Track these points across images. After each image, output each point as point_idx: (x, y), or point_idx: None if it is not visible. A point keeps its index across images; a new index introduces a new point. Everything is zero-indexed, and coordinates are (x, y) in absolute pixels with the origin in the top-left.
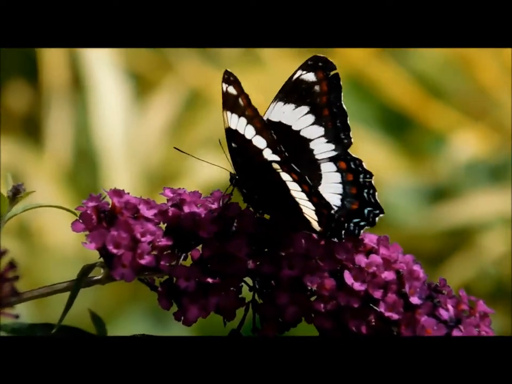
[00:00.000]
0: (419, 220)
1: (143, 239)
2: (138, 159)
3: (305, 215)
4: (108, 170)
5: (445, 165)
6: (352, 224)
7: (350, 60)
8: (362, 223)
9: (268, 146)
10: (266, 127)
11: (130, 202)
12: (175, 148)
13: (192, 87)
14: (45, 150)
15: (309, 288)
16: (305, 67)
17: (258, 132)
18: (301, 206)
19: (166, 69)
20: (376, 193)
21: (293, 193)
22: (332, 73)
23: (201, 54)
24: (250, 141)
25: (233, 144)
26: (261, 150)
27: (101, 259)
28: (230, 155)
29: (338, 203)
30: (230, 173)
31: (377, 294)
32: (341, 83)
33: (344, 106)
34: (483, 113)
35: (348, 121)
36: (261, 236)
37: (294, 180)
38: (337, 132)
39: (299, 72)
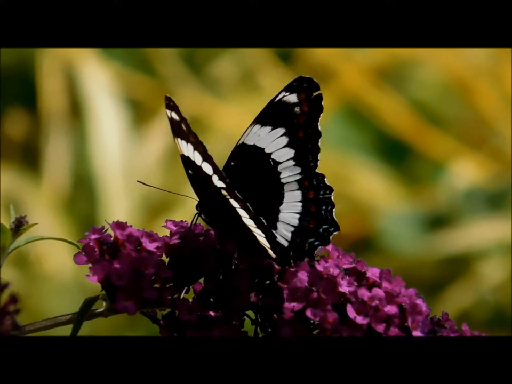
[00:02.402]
0: (417, 247)
1: (145, 272)
2: (136, 186)
3: (260, 242)
4: (105, 198)
5: (443, 192)
6: (307, 245)
7: (348, 87)
8: (316, 243)
9: (214, 172)
10: (208, 155)
11: (133, 235)
12: (138, 181)
13: (190, 114)
14: (43, 177)
15: (312, 321)
16: (289, 88)
17: (204, 158)
18: (254, 234)
19: (164, 95)
20: (334, 209)
21: (245, 220)
22: (315, 94)
23: (200, 82)
24: (200, 167)
25: (189, 171)
26: (210, 176)
27: (103, 291)
28: (190, 182)
29: (296, 222)
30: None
31: (380, 327)
32: (323, 104)
33: (319, 127)
34: (482, 141)
35: (319, 143)
36: (263, 269)
37: (242, 207)
38: (306, 154)
39: (282, 94)
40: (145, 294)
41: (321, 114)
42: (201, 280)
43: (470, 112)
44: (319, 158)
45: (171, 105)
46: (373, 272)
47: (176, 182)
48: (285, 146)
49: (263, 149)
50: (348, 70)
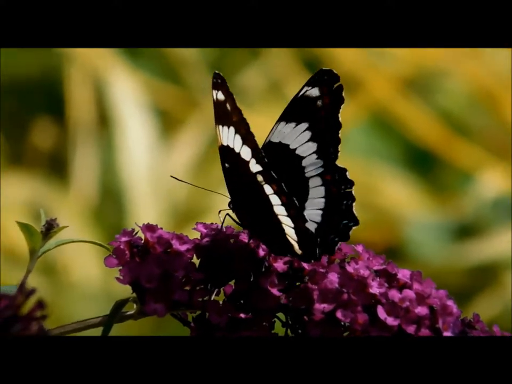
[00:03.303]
0: (444, 256)
1: (175, 274)
2: (164, 195)
3: (287, 236)
4: (133, 207)
5: (470, 202)
6: (328, 241)
7: (375, 97)
8: (336, 239)
9: (252, 155)
10: (250, 132)
11: (163, 237)
12: (172, 176)
13: None
14: (70, 186)
15: (342, 322)
16: (310, 82)
17: (244, 140)
18: (283, 226)
19: (191, 105)
20: (354, 204)
21: (276, 209)
22: (335, 85)
23: None
24: (239, 154)
25: (226, 165)
26: (248, 162)
27: (133, 294)
28: (224, 177)
29: (319, 219)
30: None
31: (411, 329)
32: (343, 95)
33: (340, 119)
34: (508, 151)
35: (339, 134)
36: (294, 271)
37: (274, 192)
38: (328, 146)
39: (304, 89)
40: (175, 296)
41: (342, 106)
42: (232, 282)
43: (496, 122)
44: (339, 150)
45: (218, 83)
46: (403, 274)
47: (204, 192)
48: (308, 141)
49: (288, 145)
50: (374, 79)
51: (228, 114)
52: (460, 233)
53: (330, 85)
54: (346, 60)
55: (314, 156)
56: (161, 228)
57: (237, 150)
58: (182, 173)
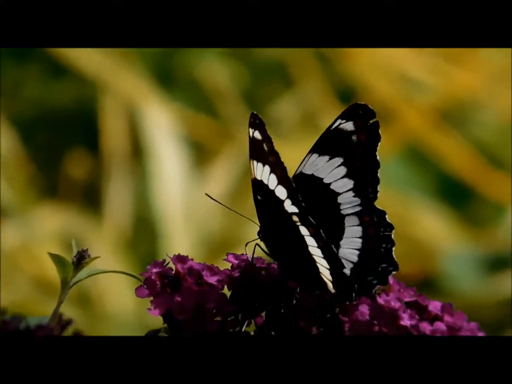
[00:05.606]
0: (479, 289)
1: (207, 305)
2: (198, 226)
3: (321, 275)
4: (167, 238)
5: (505, 234)
6: (365, 283)
7: (409, 129)
8: (374, 281)
9: (288, 196)
10: (286, 176)
11: (193, 268)
12: (206, 194)
13: None
14: (104, 217)
15: None
16: (344, 116)
17: (279, 181)
18: (318, 265)
19: (225, 136)
20: (394, 248)
21: (311, 249)
22: (371, 121)
23: None
24: (273, 191)
25: (258, 197)
26: (282, 201)
27: (165, 325)
28: (256, 208)
29: (355, 259)
30: (260, 226)
31: None
32: (380, 132)
33: (377, 157)
34: None
35: (378, 174)
36: (325, 302)
37: (311, 234)
38: (366, 185)
39: (338, 122)
40: (207, 328)
41: (379, 143)
42: (263, 313)
43: None
44: (378, 190)
45: (256, 123)
46: (434, 306)
47: (237, 223)
48: (343, 177)
49: (322, 179)
50: (409, 111)
51: (264, 153)
52: (495, 266)
53: (365, 120)
54: (380, 90)
55: (351, 194)
56: (192, 259)
57: (271, 188)
58: (215, 205)
